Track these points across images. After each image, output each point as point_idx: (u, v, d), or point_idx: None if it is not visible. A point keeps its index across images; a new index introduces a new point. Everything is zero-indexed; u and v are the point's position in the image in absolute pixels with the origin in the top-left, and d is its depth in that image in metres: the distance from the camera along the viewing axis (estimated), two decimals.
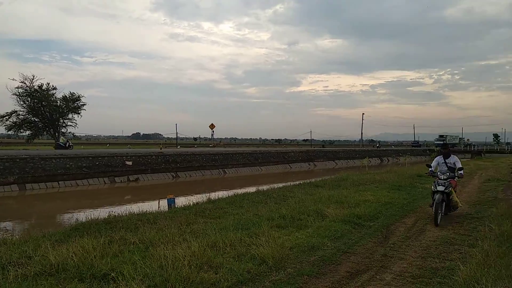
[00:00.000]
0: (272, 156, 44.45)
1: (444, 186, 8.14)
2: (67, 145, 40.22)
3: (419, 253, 5.97)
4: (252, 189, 14.17)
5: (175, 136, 65.99)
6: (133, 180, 29.40)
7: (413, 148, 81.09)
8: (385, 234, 7.16)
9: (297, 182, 15.91)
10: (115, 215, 8.81)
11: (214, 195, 13.23)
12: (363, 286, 4.63)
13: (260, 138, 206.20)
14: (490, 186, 14.95)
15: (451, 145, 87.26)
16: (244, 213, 8.73)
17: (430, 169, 9.02)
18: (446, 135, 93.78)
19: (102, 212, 10.26)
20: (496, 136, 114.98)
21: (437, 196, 8.04)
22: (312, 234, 6.70)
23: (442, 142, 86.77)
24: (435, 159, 9.32)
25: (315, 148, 60.34)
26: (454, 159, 8.99)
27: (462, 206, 9.00)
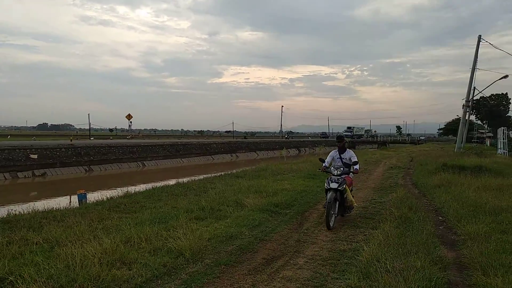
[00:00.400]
0: (194, 147, 43.91)
1: (337, 183, 7.17)
2: None
3: (329, 237, 6.39)
4: (172, 182, 13.86)
5: (88, 127, 61.60)
6: (39, 175, 26.90)
7: (323, 139, 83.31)
8: (299, 221, 7.52)
9: (219, 174, 15.94)
10: (15, 214, 7.97)
11: (131, 189, 12.68)
12: (278, 271, 4.82)
13: (182, 129, 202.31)
14: (392, 173, 16.56)
15: (357, 136, 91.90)
16: (162, 206, 8.50)
17: (323, 164, 7.96)
18: (353, 127, 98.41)
19: None
20: (398, 128, 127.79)
21: (329, 195, 7.09)
22: (231, 224, 6.78)
23: (350, 133, 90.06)
24: (329, 154, 8.21)
25: (237, 140, 61.02)
26: (349, 154, 7.98)
27: (358, 206, 8.40)
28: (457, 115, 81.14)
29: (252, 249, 5.66)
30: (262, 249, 5.71)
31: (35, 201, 14.33)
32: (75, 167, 29.53)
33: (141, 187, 13.39)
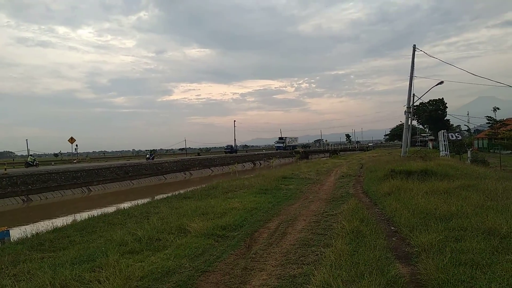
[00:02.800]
0: (144, 168, 42.06)
1: None
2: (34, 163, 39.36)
3: (279, 260, 5.84)
4: (118, 207, 12.76)
5: (31, 153, 57.23)
6: None
7: (227, 153, 72.42)
8: (248, 244, 6.92)
9: (168, 195, 14.98)
10: None
11: (68, 220, 11.47)
12: None
13: (134, 149, 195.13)
14: (344, 182, 16.52)
15: (291, 147, 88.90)
16: (95, 240, 7.55)
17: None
18: (286, 138, 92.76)
19: None
20: (348, 136, 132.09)
21: None
22: (170, 256, 6.03)
23: (282, 145, 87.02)
24: None
25: (190, 157, 59.55)
26: None
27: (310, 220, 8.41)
28: (401, 121, 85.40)
29: (192, 285, 4.97)
30: (203, 283, 5.03)
31: None
32: (11, 198, 26.97)
33: (81, 216, 12.18)
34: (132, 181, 38.21)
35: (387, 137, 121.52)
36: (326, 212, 9.51)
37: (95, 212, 12.29)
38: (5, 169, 32.25)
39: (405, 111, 36.21)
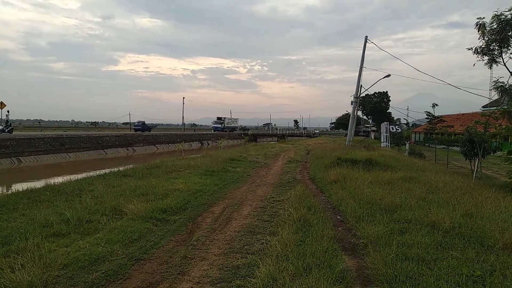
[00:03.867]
0: (83, 141, 39.55)
1: None
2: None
3: (223, 248, 5.48)
4: (51, 181, 11.61)
5: None
6: None
7: (137, 131, 59.96)
8: (190, 229, 6.48)
9: (104, 171, 13.95)
10: None
11: None
12: None
13: (73, 120, 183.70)
14: (291, 168, 16.51)
15: (229, 129, 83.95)
16: (16, 219, 6.68)
17: None
18: (225, 118, 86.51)
19: None
20: (296, 122, 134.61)
21: None
22: (101, 241, 5.42)
23: (220, 126, 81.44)
24: None
25: (135, 132, 57.12)
26: None
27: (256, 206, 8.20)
28: (347, 111, 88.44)
29: (124, 275, 4.45)
30: (136, 273, 4.54)
31: None
32: None
33: (3, 190, 10.92)
34: (69, 154, 35.82)
35: (333, 125, 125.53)
36: (273, 197, 9.29)
37: (21, 187, 11.09)
38: None
39: (352, 101, 37.19)
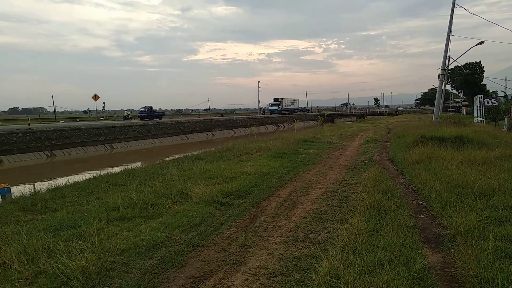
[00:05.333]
0: (166, 127, 41.89)
1: None
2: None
3: (285, 236, 5.04)
4: (132, 166, 12.29)
5: (62, 110, 58.30)
6: None
7: (143, 118, 47.52)
8: (253, 214, 6.15)
9: (180, 156, 14.38)
10: None
11: (80, 177, 11.06)
12: None
13: (160, 108, 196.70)
14: (368, 148, 15.38)
15: (288, 111, 75.52)
16: (91, 202, 6.98)
17: None
18: (282, 99, 77.11)
19: None
20: (376, 100, 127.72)
21: None
22: (162, 225, 5.34)
23: (276, 108, 72.49)
24: None
25: (213, 118, 59.07)
26: None
27: (326, 189, 7.65)
28: (433, 85, 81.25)
29: (179, 262, 4.26)
30: (192, 261, 4.32)
31: None
32: (34, 153, 27.38)
33: (94, 173, 11.77)
34: (154, 139, 38.23)
35: (418, 101, 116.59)
36: (345, 180, 8.57)
37: (107, 171, 11.86)
38: (29, 124, 32.66)
39: (439, 74, 33.76)
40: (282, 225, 5.52)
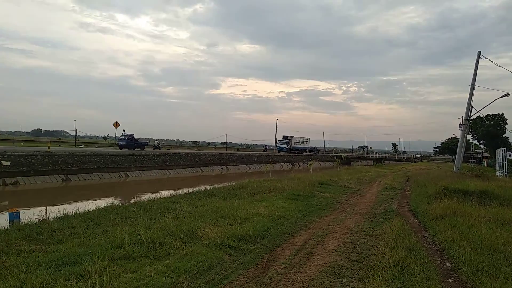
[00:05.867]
0: (182, 158, 42.06)
1: None
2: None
3: None
4: (145, 197, 12.10)
5: (83, 134, 59.80)
6: (11, 184, 24.92)
7: (122, 148, 42.02)
8: (265, 262, 5.76)
9: (192, 190, 14.14)
10: None
11: (91, 205, 10.88)
12: None
13: (178, 139, 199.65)
14: (387, 196, 14.83)
15: (298, 150, 72.49)
16: (97, 236, 6.73)
17: None
18: (292, 137, 74.04)
19: None
20: (394, 145, 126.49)
21: None
22: (168, 269, 5.01)
23: (285, 146, 69.71)
24: None
25: (229, 152, 59.21)
26: None
27: (344, 240, 7.23)
28: (454, 134, 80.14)
29: None
30: None
31: None
32: (50, 176, 27.62)
33: (105, 202, 11.61)
34: (169, 170, 38.28)
35: (437, 150, 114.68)
36: (364, 231, 8.10)
37: (119, 200, 11.68)
38: (48, 147, 33.23)
39: (460, 124, 33.29)
40: (296, 279, 5.11)
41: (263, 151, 74.13)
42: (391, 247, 6.05)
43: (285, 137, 73.63)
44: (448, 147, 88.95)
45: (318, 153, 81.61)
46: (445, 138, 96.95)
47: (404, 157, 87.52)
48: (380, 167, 45.26)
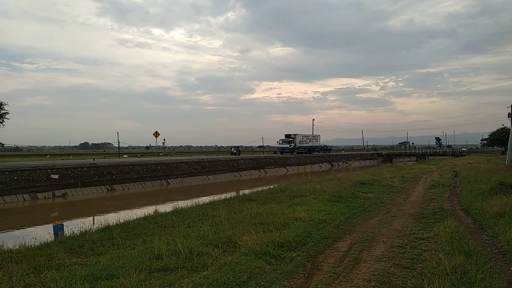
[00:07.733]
0: (221, 164, 42.38)
1: None
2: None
3: None
4: (184, 204, 12.14)
5: (126, 145, 62.15)
6: (59, 196, 26.14)
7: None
8: (308, 271, 5.42)
9: (231, 195, 14.02)
10: None
11: (132, 214, 11.04)
12: None
13: (216, 145, 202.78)
14: (435, 194, 13.92)
15: (306, 150, 62.90)
16: (136, 246, 6.68)
17: None
18: (295, 135, 62.83)
19: None
20: (438, 139, 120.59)
21: None
22: (206, 281, 4.80)
23: (287, 146, 59.42)
24: None
25: (266, 155, 59.02)
26: None
27: (391, 244, 6.71)
28: (503, 125, 75.35)
29: None
30: None
31: (13, 230, 12.97)
32: (96, 187, 28.70)
33: (148, 210, 11.75)
34: (208, 176, 38.67)
35: (485, 142, 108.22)
36: (413, 233, 7.52)
37: (164, 208, 11.76)
38: (94, 159, 34.56)
39: (509, 113, 31.19)
40: None
41: (281, 153, 61.72)
42: (446, 252, 5.51)
43: (287, 136, 63.23)
44: (497, 138, 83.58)
45: (330, 152, 73.24)
46: (493, 129, 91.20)
47: (449, 151, 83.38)
48: (424, 163, 43.21)
